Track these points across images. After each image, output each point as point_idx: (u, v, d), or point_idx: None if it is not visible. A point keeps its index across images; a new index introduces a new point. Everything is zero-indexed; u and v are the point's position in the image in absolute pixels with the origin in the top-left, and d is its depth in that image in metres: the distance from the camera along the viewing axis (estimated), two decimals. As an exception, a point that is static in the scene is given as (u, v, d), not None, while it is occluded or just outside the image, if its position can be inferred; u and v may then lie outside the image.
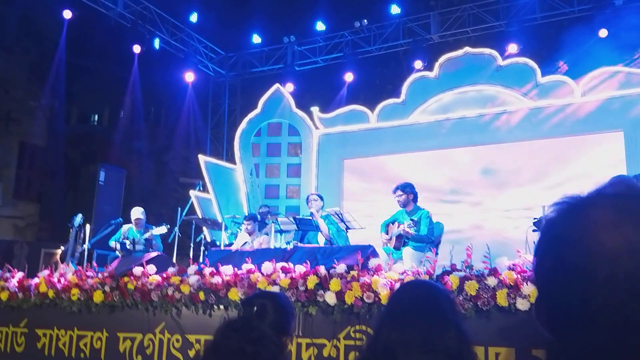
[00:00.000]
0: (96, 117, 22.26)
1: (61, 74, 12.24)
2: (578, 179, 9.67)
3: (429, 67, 12.27)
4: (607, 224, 0.81)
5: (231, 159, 13.18)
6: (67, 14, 10.95)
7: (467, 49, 11.71)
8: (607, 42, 10.71)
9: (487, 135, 11.06)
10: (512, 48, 11.51)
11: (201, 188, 11.77)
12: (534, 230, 6.44)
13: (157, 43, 12.39)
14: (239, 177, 12.72)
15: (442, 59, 11.86)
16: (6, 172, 18.09)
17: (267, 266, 5.62)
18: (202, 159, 12.64)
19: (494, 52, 11.34)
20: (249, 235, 8.50)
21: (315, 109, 12.82)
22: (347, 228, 7.66)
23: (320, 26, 13.73)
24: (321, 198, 8.29)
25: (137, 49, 12.13)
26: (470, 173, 11.08)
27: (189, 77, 13.45)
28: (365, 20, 13.51)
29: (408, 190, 7.50)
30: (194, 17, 13.37)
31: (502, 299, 4.58)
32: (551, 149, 10.47)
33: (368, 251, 5.80)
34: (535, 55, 11.58)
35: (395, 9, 13.01)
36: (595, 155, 10.02)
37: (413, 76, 12.19)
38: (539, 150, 10.59)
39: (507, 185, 10.72)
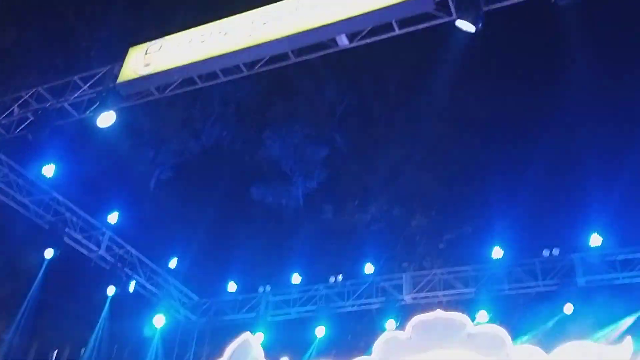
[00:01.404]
0: (55, 354, 21.21)
1: (29, 311, 12.04)
2: None
3: (400, 326, 12.29)
4: None
5: (190, 413, 12.33)
6: (49, 253, 11.18)
7: (438, 312, 11.89)
8: (573, 318, 11.00)
9: (460, 406, 10.64)
10: (482, 315, 11.71)
11: None
12: None
13: (132, 286, 12.47)
14: None
15: (414, 320, 11.94)
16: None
17: None
18: (159, 411, 11.81)
19: (465, 318, 11.48)
20: None
21: (285, 360, 12.47)
22: None
23: (296, 278, 14.04)
24: None
25: (110, 290, 12.15)
26: None
27: (159, 320, 13.26)
28: (340, 276, 13.88)
29: None
30: (172, 263, 13.68)
31: None
32: None
33: None
34: (505, 323, 11.73)
35: (369, 268, 13.50)
36: None
37: (385, 335, 12.13)
38: None
39: None
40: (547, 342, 11.01)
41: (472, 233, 16.03)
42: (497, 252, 12.17)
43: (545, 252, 11.68)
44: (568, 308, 11.11)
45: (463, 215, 16.62)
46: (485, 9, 7.92)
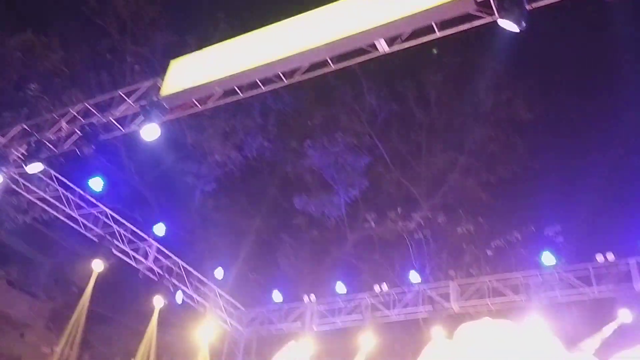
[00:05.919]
0: (105, 364, 21.66)
1: (80, 323, 12.26)
2: None
3: (448, 335, 12.09)
4: None
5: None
6: (98, 266, 11.41)
7: (487, 319, 11.63)
8: (631, 325, 10.55)
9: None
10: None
11: None
12: None
13: (179, 297, 12.60)
14: None
15: (461, 327, 11.72)
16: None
17: None
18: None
19: (514, 326, 11.18)
20: None
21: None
22: None
23: (340, 287, 13.91)
24: None
25: (159, 302, 12.30)
26: None
27: (206, 331, 13.35)
28: (385, 285, 13.68)
29: None
30: (218, 273, 13.77)
31: None
32: None
33: None
34: (559, 332, 11.34)
35: (415, 277, 13.28)
36: None
37: (432, 344, 11.96)
38: None
39: None
40: (604, 351, 10.60)
41: (521, 239, 15.59)
42: (547, 258, 11.78)
43: (599, 257, 11.22)
44: (625, 315, 10.65)
45: (510, 221, 16.17)
46: (528, 7, 7.64)
